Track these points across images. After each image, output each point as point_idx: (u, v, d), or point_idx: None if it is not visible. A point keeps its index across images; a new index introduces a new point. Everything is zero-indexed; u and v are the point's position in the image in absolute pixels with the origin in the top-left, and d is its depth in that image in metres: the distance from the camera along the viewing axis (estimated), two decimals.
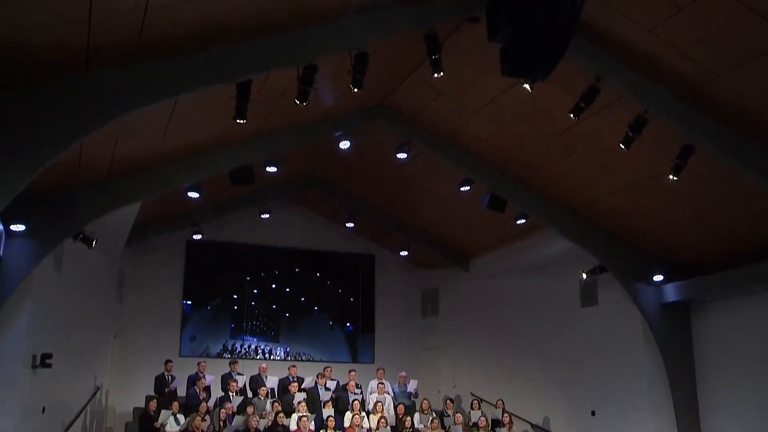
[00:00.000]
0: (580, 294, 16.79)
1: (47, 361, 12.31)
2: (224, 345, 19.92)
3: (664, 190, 12.71)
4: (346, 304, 21.35)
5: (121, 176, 12.64)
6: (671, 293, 14.79)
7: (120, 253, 17.08)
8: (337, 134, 14.26)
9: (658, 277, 14.79)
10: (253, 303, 20.42)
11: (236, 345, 19.98)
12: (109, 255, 16.33)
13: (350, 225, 19.33)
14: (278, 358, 20.10)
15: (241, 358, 19.33)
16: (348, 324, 21.26)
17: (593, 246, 15.13)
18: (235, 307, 20.24)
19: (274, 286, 20.73)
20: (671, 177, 11.60)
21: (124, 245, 16.91)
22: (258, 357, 19.86)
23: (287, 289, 20.84)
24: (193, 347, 19.53)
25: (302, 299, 20.92)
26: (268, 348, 20.25)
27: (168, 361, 16.21)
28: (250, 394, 16.04)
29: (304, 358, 20.31)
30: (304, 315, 20.87)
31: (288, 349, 20.43)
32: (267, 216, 18.29)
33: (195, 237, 18.67)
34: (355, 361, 20.60)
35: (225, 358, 19.19)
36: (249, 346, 20.10)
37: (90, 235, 13.21)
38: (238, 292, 20.31)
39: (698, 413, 14.81)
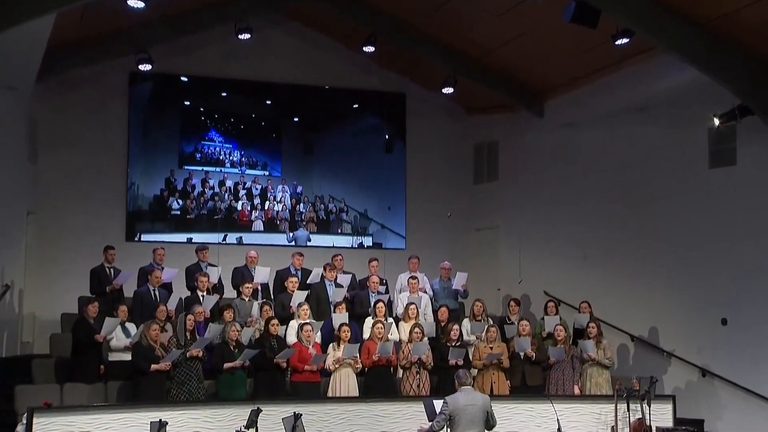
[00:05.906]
0: (708, 149, 16.82)
1: None
2: (169, 179, 19.06)
3: None
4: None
5: None
6: None
7: (29, 93, 16.88)
8: None
9: None
10: (224, 94, 19.44)
11: (194, 181, 19.07)
12: (13, 95, 16.19)
13: (369, 49, 19.27)
14: (279, 201, 19.33)
15: (211, 215, 19.01)
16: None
17: (731, 77, 14.82)
18: (187, 102, 19.21)
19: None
20: None
21: (35, 80, 16.60)
22: (240, 203, 19.16)
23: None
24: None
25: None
26: (259, 187, 19.56)
27: (109, 248, 15.97)
28: (234, 295, 16.04)
29: (331, 208, 19.29)
30: (325, 123, 20.00)
31: (300, 189, 19.72)
32: (247, 37, 18.25)
33: (141, 67, 18.42)
34: None
35: (174, 210, 18.75)
36: (222, 183, 19.09)
37: None
38: (188, 93, 19.17)
39: None
